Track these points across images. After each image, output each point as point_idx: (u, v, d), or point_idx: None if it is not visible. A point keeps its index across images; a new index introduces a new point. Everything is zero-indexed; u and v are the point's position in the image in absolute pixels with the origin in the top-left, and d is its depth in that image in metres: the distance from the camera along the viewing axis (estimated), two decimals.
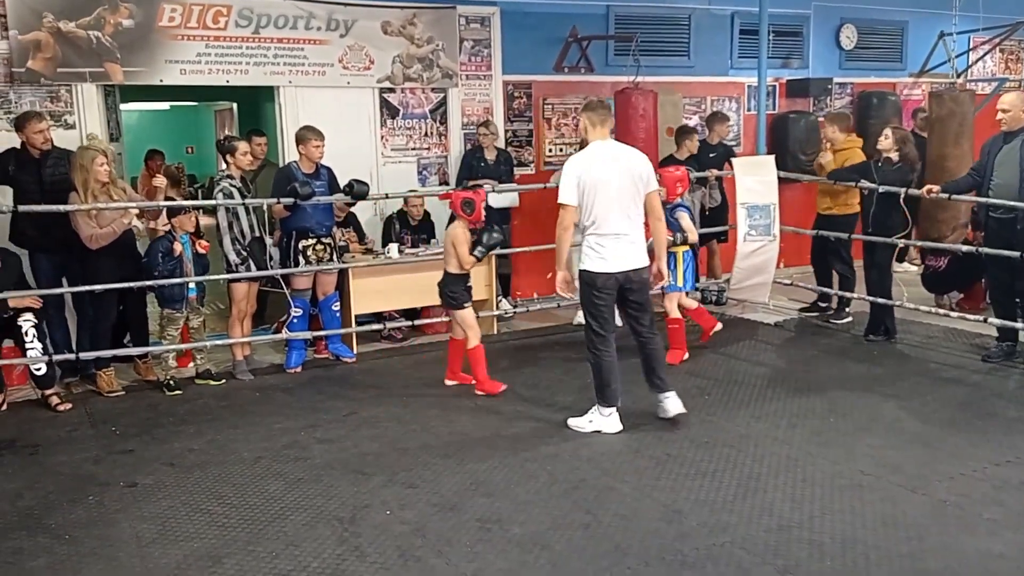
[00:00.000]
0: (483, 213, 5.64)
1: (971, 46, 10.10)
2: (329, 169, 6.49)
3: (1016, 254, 5.86)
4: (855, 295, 7.20)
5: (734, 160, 7.81)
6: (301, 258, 6.32)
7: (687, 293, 6.68)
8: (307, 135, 6.31)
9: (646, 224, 4.97)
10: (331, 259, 6.46)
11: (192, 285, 5.96)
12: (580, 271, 4.93)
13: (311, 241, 6.34)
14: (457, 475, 4.41)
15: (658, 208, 4.99)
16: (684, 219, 6.35)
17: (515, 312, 7.65)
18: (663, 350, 5.18)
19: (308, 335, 6.44)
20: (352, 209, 7.14)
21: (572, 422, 5.05)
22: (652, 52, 8.76)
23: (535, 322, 7.73)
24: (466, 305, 5.76)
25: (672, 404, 5.05)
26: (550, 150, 8.68)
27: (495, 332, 7.37)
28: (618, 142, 5.06)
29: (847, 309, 7.43)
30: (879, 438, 4.81)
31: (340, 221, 7.04)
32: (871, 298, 6.77)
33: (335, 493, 4.23)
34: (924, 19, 9.89)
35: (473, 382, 5.76)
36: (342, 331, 6.59)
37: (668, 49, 9.10)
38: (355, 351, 6.69)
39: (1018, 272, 5.92)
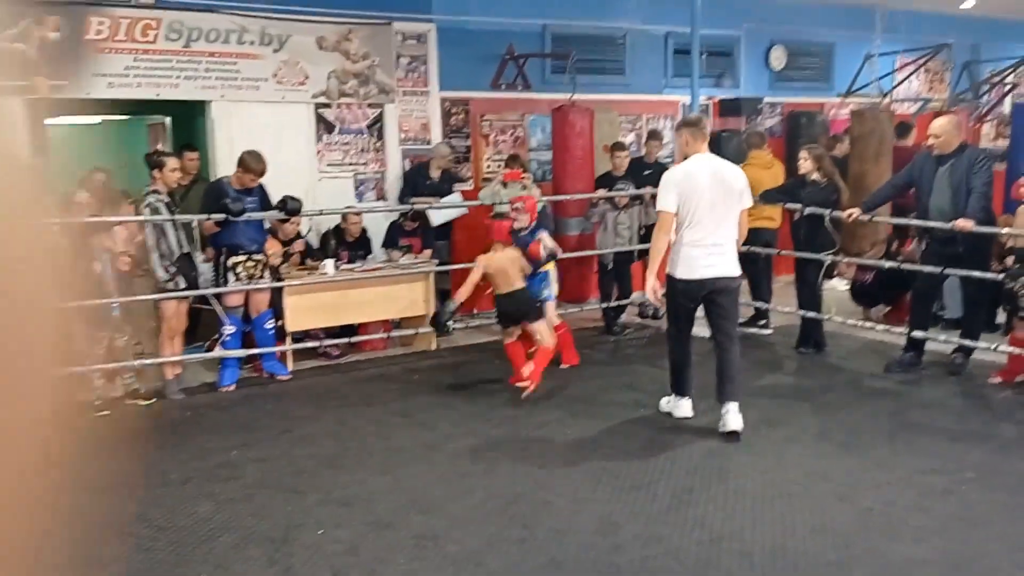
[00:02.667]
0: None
1: (896, 67, 10.45)
2: (261, 185, 6.39)
3: (938, 269, 6.07)
4: (779, 308, 7.42)
5: None
6: (231, 275, 6.20)
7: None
8: (249, 162, 6.12)
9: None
10: (262, 276, 6.35)
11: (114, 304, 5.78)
12: (668, 276, 5.16)
13: (241, 258, 6.22)
14: (393, 492, 4.37)
15: (745, 224, 5.22)
16: (547, 238, 6.37)
17: (454, 327, 7.61)
18: (739, 361, 5.25)
19: (242, 353, 6.32)
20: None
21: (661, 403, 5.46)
22: (588, 70, 8.87)
23: (474, 337, 7.71)
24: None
25: (732, 419, 5.05)
26: (488, 166, 8.70)
27: (433, 347, 7.33)
28: (716, 156, 5.26)
29: (763, 320, 7.72)
30: (808, 448, 4.92)
31: (291, 239, 6.93)
32: (802, 312, 6.93)
33: (267, 513, 4.15)
34: (851, 40, 10.19)
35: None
36: (276, 348, 6.48)
37: (604, 67, 9.22)
38: (290, 368, 6.59)
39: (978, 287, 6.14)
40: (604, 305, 7.87)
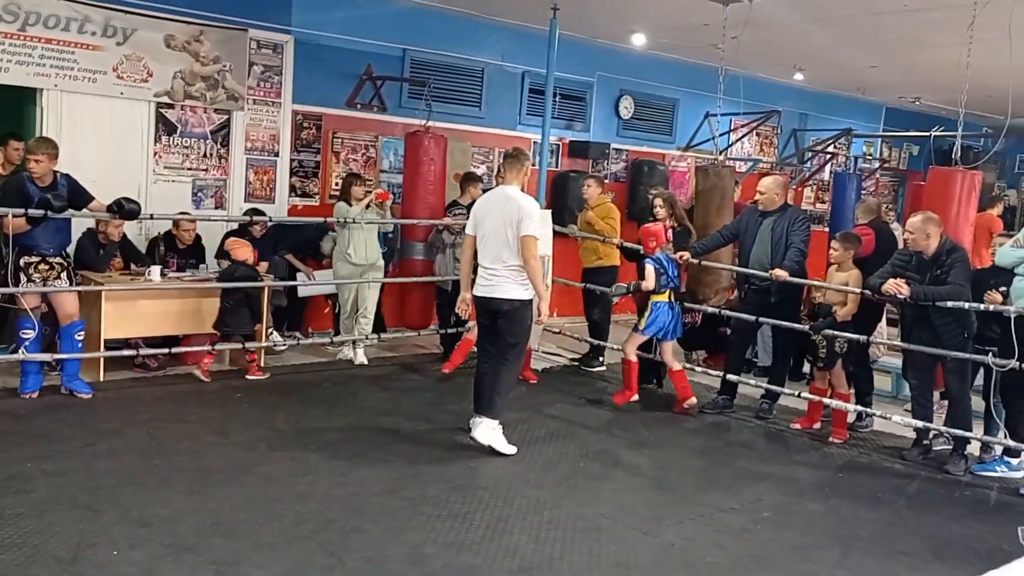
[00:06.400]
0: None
1: (732, 127, 11.14)
2: (68, 177, 5.85)
3: (752, 317, 6.49)
4: (610, 344, 7.67)
5: None
6: (23, 276, 5.69)
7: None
8: (33, 147, 5.68)
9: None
10: (58, 279, 5.83)
11: None
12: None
13: (35, 259, 5.72)
14: (198, 514, 4.19)
15: (528, 250, 5.37)
16: (647, 269, 6.61)
17: (286, 345, 7.44)
18: (493, 381, 5.46)
19: (49, 357, 5.89)
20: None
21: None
22: (445, 99, 8.96)
23: (303, 357, 7.54)
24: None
25: (480, 431, 5.44)
26: (336, 183, 8.57)
27: (261, 365, 7.09)
28: (514, 189, 5.55)
29: (600, 358, 7.91)
30: (621, 483, 5.10)
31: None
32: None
33: (58, 530, 3.88)
34: (693, 98, 10.79)
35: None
36: (87, 355, 6.05)
37: (461, 98, 9.33)
38: (103, 378, 6.22)
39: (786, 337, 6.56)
40: (442, 331, 7.90)
